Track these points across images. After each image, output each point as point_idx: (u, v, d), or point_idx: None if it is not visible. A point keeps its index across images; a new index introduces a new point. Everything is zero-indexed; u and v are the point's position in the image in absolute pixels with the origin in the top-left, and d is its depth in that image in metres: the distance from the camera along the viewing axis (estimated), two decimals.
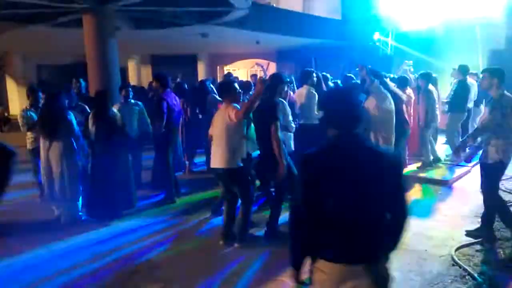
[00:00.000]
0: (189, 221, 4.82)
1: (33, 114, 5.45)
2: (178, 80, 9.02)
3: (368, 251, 1.74)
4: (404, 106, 5.80)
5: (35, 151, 5.45)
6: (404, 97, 5.64)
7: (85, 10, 7.89)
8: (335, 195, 1.71)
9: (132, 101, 6.11)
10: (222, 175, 3.95)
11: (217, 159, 3.88)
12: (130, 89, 6.23)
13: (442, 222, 4.56)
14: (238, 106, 3.84)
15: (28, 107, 5.54)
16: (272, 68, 19.46)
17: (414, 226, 4.38)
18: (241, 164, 3.87)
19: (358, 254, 1.72)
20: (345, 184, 1.71)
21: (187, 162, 7.02)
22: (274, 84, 4.02)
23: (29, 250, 4.09)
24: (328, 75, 6.73)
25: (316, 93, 5.51)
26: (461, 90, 6.97)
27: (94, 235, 4.44)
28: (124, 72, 17.53)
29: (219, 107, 4.26)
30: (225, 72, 19.96)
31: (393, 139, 5.05)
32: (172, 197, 5.52)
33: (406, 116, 5.72)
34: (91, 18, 7.92)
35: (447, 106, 7.34)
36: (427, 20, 12.32)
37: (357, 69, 5.40)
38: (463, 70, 7.08)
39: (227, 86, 4.05)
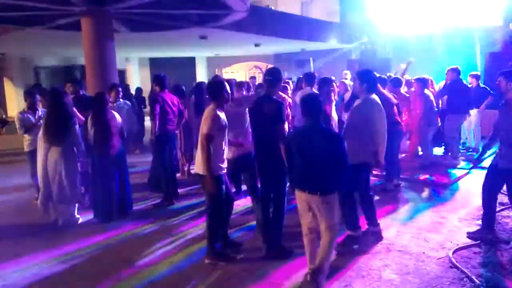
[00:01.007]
0: (188, 223, 4.80)
1: (30, 116, 5.44)
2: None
3: (320, 185, 3.13)
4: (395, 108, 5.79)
5: (33, 153, 5.43)
6: (394, 100, 5.65)
7: (83, 13, 7.90)
8: (301, 151, 3.20)
9: (121, 100, 6.17)
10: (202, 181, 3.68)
11: (199, 164, 3.62)
12: (120, 89, 6.28)
13: (440, 224, 4.56)
14: (218, 113, 3.59)
15: (25, 110, 5.53)
16: None
17: (412, 228, 4.42)
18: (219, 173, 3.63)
19: (314, 186, 3.13)
20: (306, 146, 3.16)
21: (186, 165, 7.01)
22: (273, 80, 3.82)
23: (25, 253, 4.07)
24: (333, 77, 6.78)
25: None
26: (456, 91, 6.98)
27: (91, 238, 4.41)
28: (122, 74, 17.55)
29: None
30: (224, 74, 20.03)
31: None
32: (170, 199, 5.51)
33: (399, 118, 5.70)
34: (90, 21, 7.93)
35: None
36: (425, 22, 12.39)
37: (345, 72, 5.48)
38: (455, 70, 7.11)
39: (214, 87, 3.68)
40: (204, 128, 3.49)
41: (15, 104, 17.20)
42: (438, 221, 4.65)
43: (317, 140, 3.10)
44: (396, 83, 6.34)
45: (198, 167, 3.66)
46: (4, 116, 15.94)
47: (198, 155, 3.64)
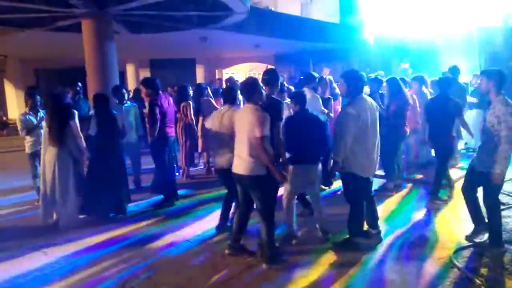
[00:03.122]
0: (187, 224, 4.81)
1: (32, 118, 5.46)
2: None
3: (313, 159, 4.05)
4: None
5: (34, 155, 5.45)
6: (410, 101, 5.69)
7: (84, 15, 7.92)
8: (296, 134, 3.95)
9: (128, 103, 6.17)
10: (244, 181, 3.60)
11: (240, 165, 3.55)
12: (125, 91, 6.28)
13: (441, 224, 4.56)
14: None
15: (27, 111, 5.55)
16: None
17: (412, 228, 4.43)
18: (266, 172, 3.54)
19: (310, 159, 4.01)
20: (299, 129, 4.00)
21: (186, 167, 7.01)
22: (272, 80, 3.92)
23: (27, 255, 4.09)
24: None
25: (318, 96, 5.56)
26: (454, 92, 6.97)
27: (91, 240, 4.42)
28: (122, 76, 17.56)
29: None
30: (224, 75, 20.04)
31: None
32: (170, 200, 5.52)
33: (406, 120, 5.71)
34: (90, 22, 7.95)
35: None
36: (424, 22, 12.41)
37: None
38: (453, 71, 7.10)
39: (249, 87, 3.59)
40: (257, 131, 3.35)
41: (15, 106, 17.22)
42: (439, 221, 4.66)
43: (308, 122, 4.05)
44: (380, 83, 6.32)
45: (239, 167, 3.53)
46: (4, 119, 15.98)
47: (240, 157, 3.52)
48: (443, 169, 5.35)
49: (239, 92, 4.46)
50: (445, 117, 5.15)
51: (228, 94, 4.38)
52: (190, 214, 5.15)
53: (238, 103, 4.49)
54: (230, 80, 8.78)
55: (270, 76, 3.96)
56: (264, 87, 3.79)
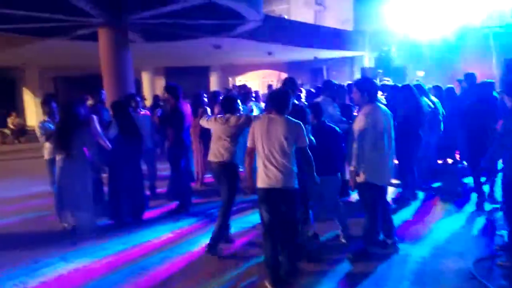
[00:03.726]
0: (203, 231, 4.81)
1: (50, 125, 5.56)
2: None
3: (330, 170, 4.07)
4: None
5: (52, 161, 5.53)
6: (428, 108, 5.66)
7: (101, 24, 8.07)
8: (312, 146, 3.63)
9: (142, 110, 6.25)
10: (277, 195, 3.40)
11: (276, 178, 3.35)
12: (139, 99, 6.35)
13: (459, 234, 4.48)
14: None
15: (45, 119, 5.66)
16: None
17: (429, 238, 4.35)
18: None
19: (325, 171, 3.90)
20: (316, 141, 3.84)
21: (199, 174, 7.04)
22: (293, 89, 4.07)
23: (44, 260, 4.14)
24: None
25: (334, 104, 5.51)
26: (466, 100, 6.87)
27: (107, 245, 4.47)
28: (138, 84, 17.81)
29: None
30: (237, 82, 20.13)
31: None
32: (186, 206, 5.56)
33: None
34: (107, 31, 8.10)
35: None
36: (439, 28, 12.28)
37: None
38: (469, 79, 7.00)
39: (281, 98, 3.46)
40: (304, 141, 3.36)
41: (34, 113, 17.59)
42: (457, 231, 4.57)
43: (323, 135, 4.01)
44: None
45: (278, 179, 3.33)
46: (23, 125, 16.31)
47: (270, 168, 3.34)
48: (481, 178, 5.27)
49: (239, 102, 4.45)
50: (488, 123, 5.05)
51: (231, 105, 4.23)
52: (204, 221, 5.16)
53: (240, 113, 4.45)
54: (243, 87, 8.82)
55: (291, 85, 4.06)
56: None
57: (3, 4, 7.17)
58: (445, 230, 4.62)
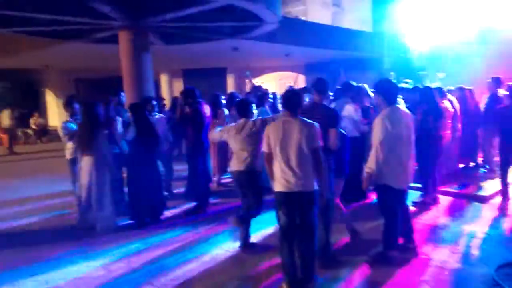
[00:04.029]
0: (220, 231, 4.84)
1: (73, 125, 5.69)
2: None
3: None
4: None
5: (74, 161, 5.66)
6: (451, 110, 5.54)
7: (121, 26, 8.20)
8: None
9: (157, 114, 6.33)
10: (296, 199, 3.36)
11: (295, 181, 3.31)
12: (154, 102, 6.44)
13: (481, 239, 4.38)
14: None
15: (67, 119, 5.80)
16: (301, 81, 19.46)
17: (451, 243, 4.27)
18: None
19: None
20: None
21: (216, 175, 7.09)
22: (325, 89, 4.01)
23: (65, 258, 4.23)
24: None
25: (355, 106, 5.43)
26: (493, 104, 6.72)
27: (126, 244, 4.54)
28: (156, 85, 18.04)
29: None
30: (256, 84, 20.16)
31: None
32: (203, 207, 5.60)
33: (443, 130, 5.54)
34: (127, 34, 8.22)
35: None
36: (460, 30, 12.05)
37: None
38: (496, 82, 6.86)
39: (293, 98, 3.44)
40: (315, 142, 3.30)
41: (56, 114, 18.00)
42: (479, 236, 4.48)
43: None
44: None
45: (297, 183, 3.29)
46: (45, 125, 16.72)
47: (290, 171, 3.30)
48: None
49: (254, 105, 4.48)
50: None
51: (245, 109, 4.29)
52: (222, 222, 5.18)
53: (254, 116, 4.47)
54: (258, 89, 8.86)
55: (323, 85, 3.98)
56: (316, 96, 3.89)
57: (31, 9, 7.38)
58: (466, 234, 4.53)
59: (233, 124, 4.38)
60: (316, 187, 3.37)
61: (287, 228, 3.41)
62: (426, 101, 5.49)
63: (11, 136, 13.24)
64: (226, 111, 6.87)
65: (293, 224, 3.40)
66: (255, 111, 4.49)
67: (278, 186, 3.38)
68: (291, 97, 3.44)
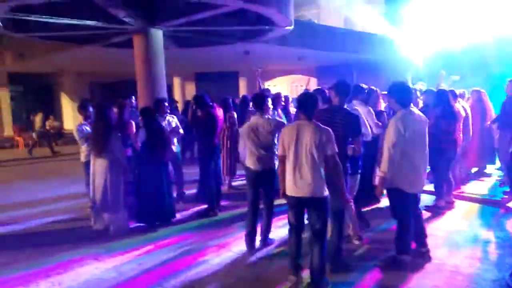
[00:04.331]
0: (231, 234, 4.86)
1: (88, 128, 5.78)
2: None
3: None
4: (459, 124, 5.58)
5: (88, 164, 5.74)
6: (462, 113, 5.48)
7: (136, 31, 8.33)
8: None
9: (169, 116, 6.38)
10: (306, 204, 3.39)
11: (305, 186, 3.31)
12: (167, 103, 6.50)
13: (495, 244, 4.32)
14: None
15: (82, 122, 5.90)
16: (313, 84, 19.42)
17: (464, 247, 4.21)
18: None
19: None
20: None
21: (227, 177, 7.13)
22: (344, 92, 3.89)
23: (78, 259, 4.30)
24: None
25: (370, 108, 5.38)
26: (509, 106, 6.61)
27: (139, 246, 4.58)
28: (169, 88, 18.24)
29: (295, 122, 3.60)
30: (266, 87, 20.19)
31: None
32: (214, 210, 5.64)
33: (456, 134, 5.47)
34: (142, 38, 8.34)
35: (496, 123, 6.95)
36: (475, 32, 11.89)
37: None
38: None
39: (309, 101, 3.42)
40: (332, 148, 3.28)
41: (71, 117, 18.32)
42: (493, 241, 4.41)
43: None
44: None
45: (307, 188, 3.29)
46: (60, 128, 17.01)
47: (299, 176, 3.31)
48: None
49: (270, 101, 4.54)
50: None
51: (262, 102, 4.35)
52: (233, 225, 5.21)
53: (270, 112, 4.55)
54: (268, 92, 8.89)
55: (345, 87, 3.91)
56: (335, 98, 3.86)
57: (48, 14, 7.55)
58: (480, 239, 4.47)
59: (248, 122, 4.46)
60: (326, 193, 3.35)
61: (296, 228, 3.49)
62: (441, 104, 5.44)
63: (42, 139, 14.11)
64: (235, 115, 6.95)
65: (302, 227, 3.48)
66: (270, 106, 4.52)
67: (289, 190, 3.39)
68: (307, 100, 3.42)
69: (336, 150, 3.31)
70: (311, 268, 3.42)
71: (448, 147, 5.36)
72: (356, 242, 4.33)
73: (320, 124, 3.35)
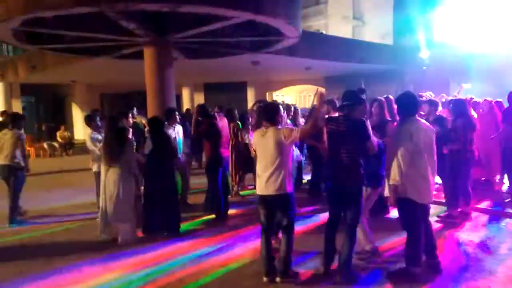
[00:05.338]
0: (239, 244, 4.84)
1: (99, 136, 5.85)
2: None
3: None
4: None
5: (99, 174, 5.80)
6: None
7: (146, 42, 8.45)
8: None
9: (178, 126, 6.45)
10: (273, 201, 3.73)
11: (270, 185, 3.67)
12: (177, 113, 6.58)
13: (508, 256, 4.24)
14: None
15: (92, 132, 5.98)
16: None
17: (475, 259, 4.15)
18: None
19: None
20: None
21: (235, 186, 7.15)
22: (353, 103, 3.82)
23: (87, 268, 4.32)
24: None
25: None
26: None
27: (147, 256, 4.58)
28: (178, 99, 18.40)
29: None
30: (274, 97, 20.29)
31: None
32: (222, 219, 5.65)
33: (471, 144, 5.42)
34: (152, 50, 8.45)
35: None
36: (486, 40, 11.84)
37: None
38: None
39: (271, 108, 3.88)
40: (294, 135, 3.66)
41: (81, 127, 18.55)
42: (505, 252, 4.33)
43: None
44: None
45: (270, 187, 3.68)
46: (71, 138, 17.20)
47: (265, 175, 3.68)
48: None
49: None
50: None
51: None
52: (241, 234, 5.20)
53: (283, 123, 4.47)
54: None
55: (352, 98, 3.87)
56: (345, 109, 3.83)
57: (60, 26, 7.71)
58: (492, 251, 4.39)
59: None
60: (289, 190, 3.67)
61: (265, 226, 3.85)
62: (458, 114, 5.40)
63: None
64: (239, 124, 7.06)
65: (270, 225, 3.86)
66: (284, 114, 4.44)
67: (257, 189, 3.82)
68: (269, 109, 3.86)
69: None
70: (280, 258, 3.75)
71: (466, 157, 5.31)
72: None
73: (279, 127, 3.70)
